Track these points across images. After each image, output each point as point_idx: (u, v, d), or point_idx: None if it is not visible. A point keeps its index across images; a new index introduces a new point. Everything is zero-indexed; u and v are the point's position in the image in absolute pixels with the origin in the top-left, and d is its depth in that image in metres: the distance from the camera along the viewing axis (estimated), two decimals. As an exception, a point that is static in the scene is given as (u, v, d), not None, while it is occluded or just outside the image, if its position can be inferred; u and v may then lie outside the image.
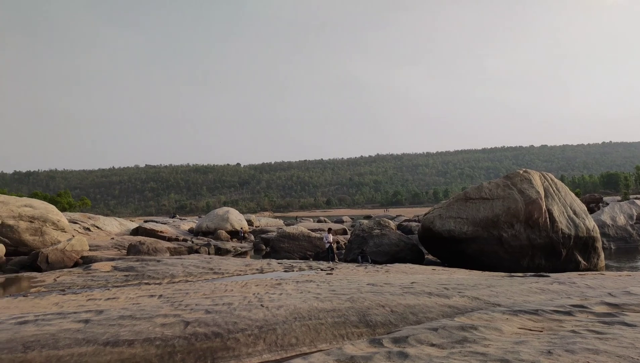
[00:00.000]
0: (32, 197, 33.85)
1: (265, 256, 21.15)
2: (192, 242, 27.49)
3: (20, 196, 31.09)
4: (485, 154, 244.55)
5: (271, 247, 21.96)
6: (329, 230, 18.37)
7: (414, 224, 32.76)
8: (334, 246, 18.18)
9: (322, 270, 12.35)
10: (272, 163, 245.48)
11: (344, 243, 23.57)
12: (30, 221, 20.40)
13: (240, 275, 11.80)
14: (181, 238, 30.61)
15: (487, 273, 11.84)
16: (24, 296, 9.40)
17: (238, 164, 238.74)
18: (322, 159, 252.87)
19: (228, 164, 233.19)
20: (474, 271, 12.50)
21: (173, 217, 50.30)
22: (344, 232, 32.68)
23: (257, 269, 12.67)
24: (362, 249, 16.80)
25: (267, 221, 48.16)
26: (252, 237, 32.54)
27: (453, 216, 16.21)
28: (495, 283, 8.67)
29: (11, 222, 19.83)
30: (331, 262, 15.46)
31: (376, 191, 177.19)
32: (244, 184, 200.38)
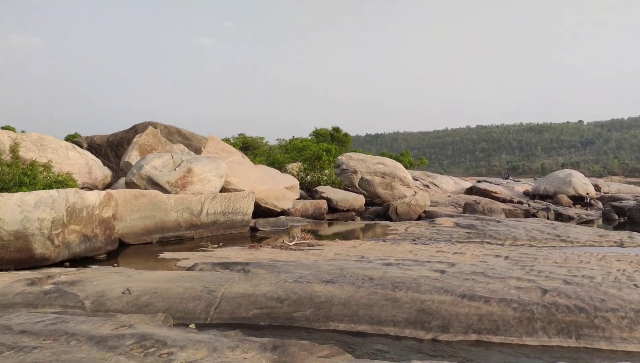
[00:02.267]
0: (381, 156, 38.68)
1: (617, 228, 18.20)
2: (529, 205, 26.12)
3: (373, 155, 35.80)
4: None
5: (628, 217, 18.73)
6: None
7: None
8: None
9: None
10: (625, 118, 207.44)
11: None
12: (382, 177, 23.38)
13: (593, 246, 10.46)
14: (516, 200, 29.51)
15: None
16: (383, 241, 10.84)
17: (580, 121, 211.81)
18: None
19: (567, 122, 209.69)
20: None
21: (506, 178, 48.95)
22: None
23: (615, 241, 10.95)
24: None
25: (618, 187, 41.27)
26: (600, 204, 28.52)
27: None
28: None
29: (368, 177, 23.19)
30: None
31: None
32: (586, 144, 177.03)
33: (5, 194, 7.52)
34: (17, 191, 9.93)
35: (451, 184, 34.11)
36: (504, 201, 27.95)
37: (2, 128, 22.39)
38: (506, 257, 8.19)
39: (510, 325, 4.75)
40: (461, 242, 10.65)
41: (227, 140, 33.48)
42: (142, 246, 10.23)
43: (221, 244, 10.28)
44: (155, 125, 20.46)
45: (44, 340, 3.68)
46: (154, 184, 12.10)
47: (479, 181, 41.71)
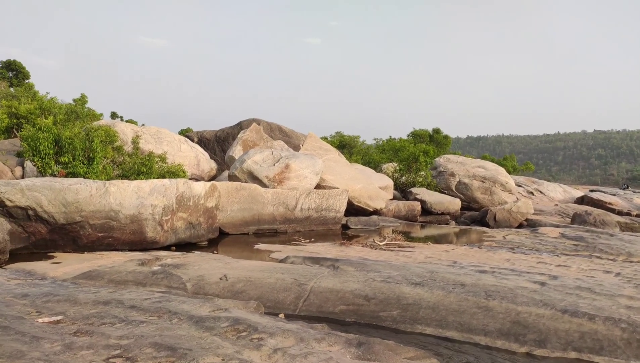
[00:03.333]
0: (481, 159, 37.02)
1: None
2: (650, 219, 23.54)
3: (473, 158, 34.46)
4: None
5: None
6: None
7: None
8: None
9: None
10: None
11: None
12: (482, 181, 22.40)
13: None
14: (634, 213, 26.67)
15: None
16: (478, 247, 10.40)
17: None
18: None
19: None
20: None
21: (625, 188, 44.38)
22: None
23: None
24: None
25: None
26: None
27: None
28: None
29: (466, 180, 22.35)
30: None
31: None
32: None
33: (125, 181, 8.35)
34: (135, 179, 11.00)
35: (559, 193, 31.72)
36: (619, 213, 25.42)
37: (126, 121, 24.82)
38: (617, 274, 7.47)
39: (616, 345, 4.34)
40: (566, 254, 9.89)
41: (324, 138, 34.13)
42: (239, 236, 10.80)
43: (312, 239, 10.53)
44: (258, 122, 21.45)
45: (150, 316, 4.05)
46: (253, 178, 12.71)
47: (592, 191, 38.32)
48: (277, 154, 13.59)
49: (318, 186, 13.71)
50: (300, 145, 17.98)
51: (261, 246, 9.42)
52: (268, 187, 12.35)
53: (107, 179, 9.94)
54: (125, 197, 7.99)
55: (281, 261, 7.43)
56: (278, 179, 12.78)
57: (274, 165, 13.09)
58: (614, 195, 34.30)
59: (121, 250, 8.05)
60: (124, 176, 12.15)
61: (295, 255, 7.63)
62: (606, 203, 27.00)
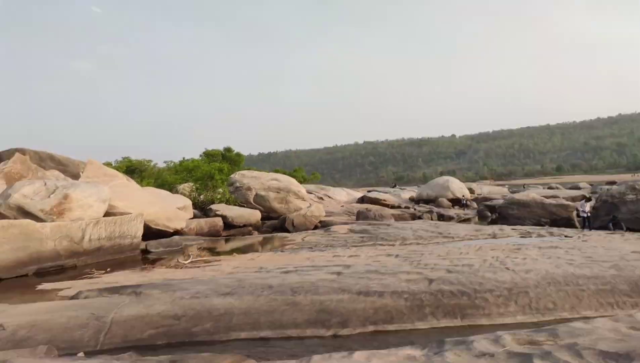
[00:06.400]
0: (275, 173, 38.85)
1: (491, 223, 20.16)
2: (414, 209, 27.93)
3: (267, 172, 35.88)
4: None
5: (499, 214, 20.83)
6: (587, 199, 16.95)
7: (678, 188, 26.95)
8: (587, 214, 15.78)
9: (566, 236, 11.14)
10: (490, 131, 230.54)
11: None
12: (277, 192, 23.50)
13: (471, 239, 11.48)
14: (403, 205, 31.36)
15: None
16: (281, 251, 10.88)
17: (453, 135, 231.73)
18: (548, 124, 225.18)
19: (442, 136, 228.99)
20: None
21: (393, 187, 51.87)
22: (584, 199, 28.87)
23: (489, 234, 12.12)
24: (614, 216, 14.60)
25: (489, 189, 45.81)
26: (475, 205, 31.39)
27: None
28: None
29: (263, 193, 23.16)
30: (585, 230, 13.98)
31: (620, 154, 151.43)
32: (460, 154, 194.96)
33: None
34: None
35: (344, 196, 35.27)
36: (392, 207, 29.56)
37: None
38: (397, 255, 8.67)
39: (403, 313, 5.04)
40: (356, 246, 11.06)
41: (109, 164, 31.41)
42: (16, 279, 9.18)
43: (109, 269, 9.58)
44: (23, 151, 18.55)
45: None
46: (25, 213, 10.96)
47: (369, 191, 43.62)
48: (52, 184, 11.98)
49: (108, 214, 12.55)
50: (80, 173, 16.23)
51: (46, 285, 8.18)
52: (45, 221, 10.80)
53: None
54: None
55: (72, 297, 6.57)
56: (57, 211, 11.28)
57: (49, 197, 11.50)
58: (387, 193, 39.65)
59: None
60: None
61: (89, 289, 6.84)
62: (381, 200, 31.08)
